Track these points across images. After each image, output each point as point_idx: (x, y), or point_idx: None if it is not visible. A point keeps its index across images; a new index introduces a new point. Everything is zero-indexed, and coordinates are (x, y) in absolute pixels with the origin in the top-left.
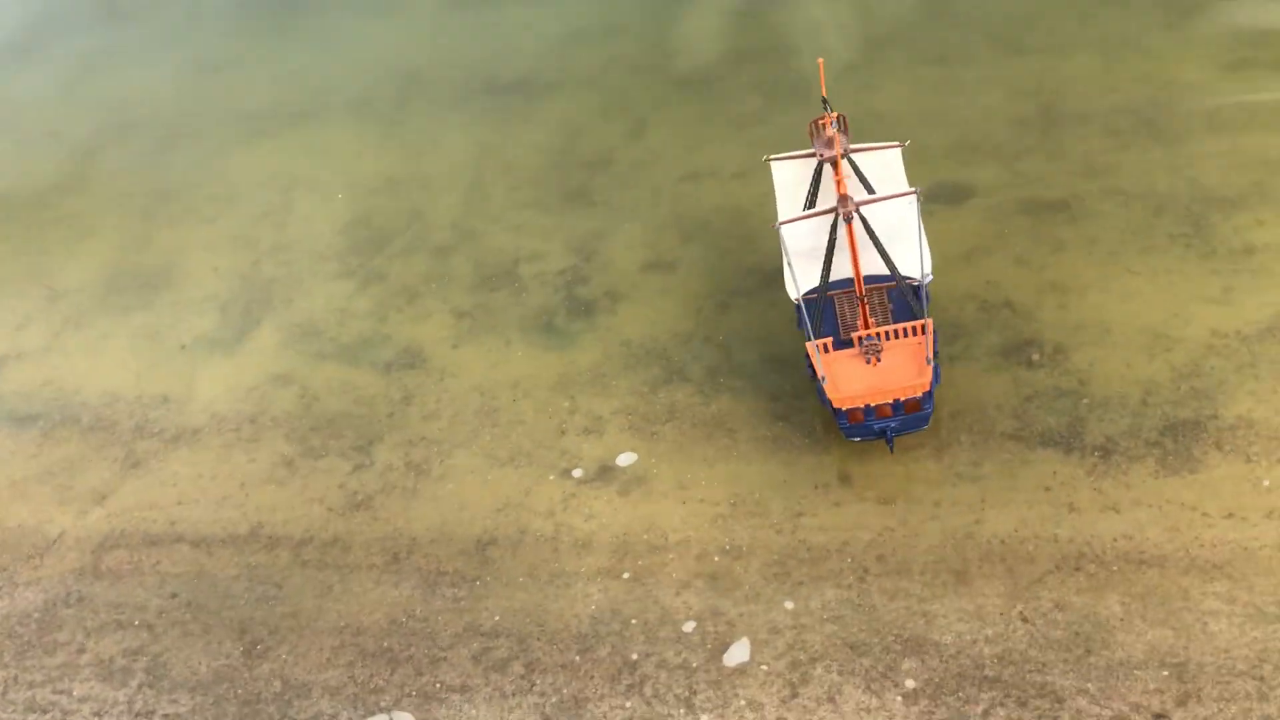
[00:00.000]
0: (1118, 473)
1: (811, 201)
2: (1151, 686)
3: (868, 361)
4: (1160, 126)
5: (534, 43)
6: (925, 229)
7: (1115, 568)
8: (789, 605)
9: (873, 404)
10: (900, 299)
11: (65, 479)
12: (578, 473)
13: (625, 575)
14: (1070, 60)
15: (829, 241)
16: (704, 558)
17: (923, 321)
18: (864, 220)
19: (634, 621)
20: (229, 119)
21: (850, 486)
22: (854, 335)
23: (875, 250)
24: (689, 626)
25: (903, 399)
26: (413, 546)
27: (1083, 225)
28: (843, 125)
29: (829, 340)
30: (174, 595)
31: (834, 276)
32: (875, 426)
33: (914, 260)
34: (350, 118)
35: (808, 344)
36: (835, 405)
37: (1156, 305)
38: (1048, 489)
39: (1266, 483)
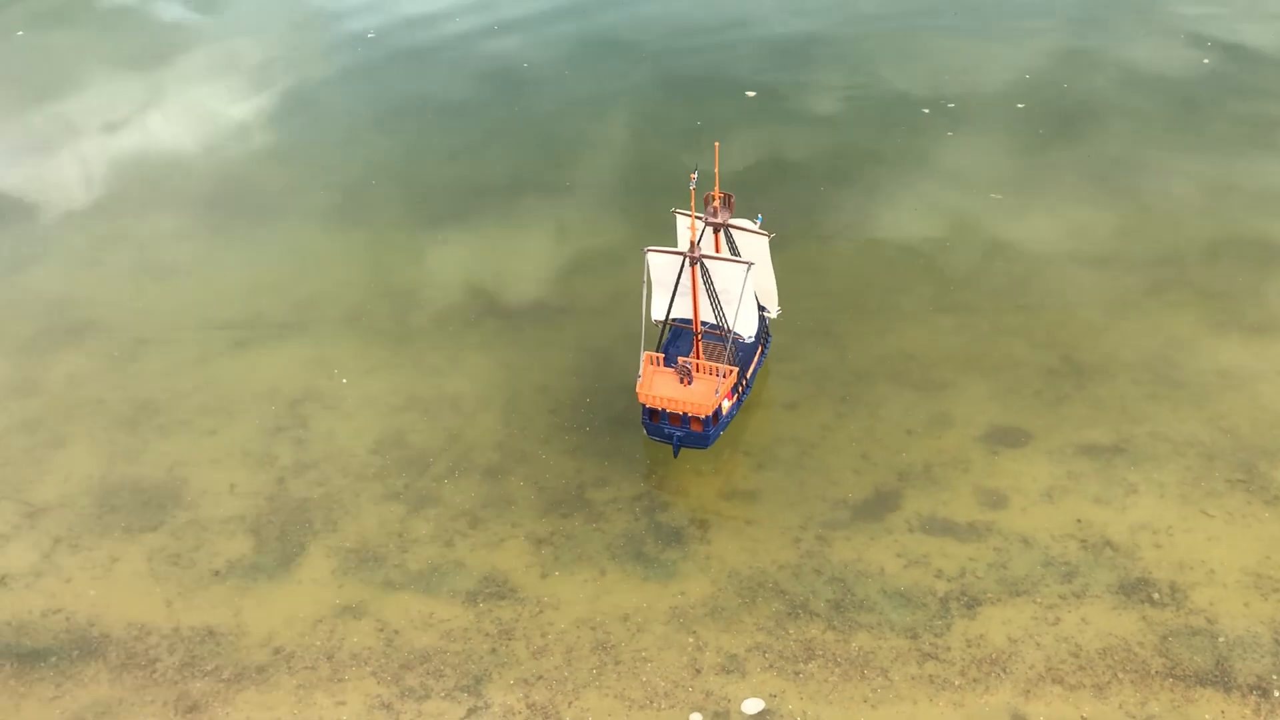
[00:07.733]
0: None
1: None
2: None
3: (680, 380)
4: (1178, 380)
5: (534, 269)
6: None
7: None
8: None
9: (664, 409)
10: (748, 348)
11: None
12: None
13: None
14: (1074, 315)
15: (676, 279)
16: None
17: (730, 367)
18: (706, 271)
19: None
20: (201, 326)
21: None
22: (679, 359)
23: (735, 305)
24: None
25: (690, 414)
26: None
27: (1145, 469)
28: (728, 203)
29: (662, 356)
30: None
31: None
32: (665, 430)
33: (745, 320)
34: (348, 332)
35: (645, 353)
36: (638, 398)
37: (1244, 547)
38: None
39: None
